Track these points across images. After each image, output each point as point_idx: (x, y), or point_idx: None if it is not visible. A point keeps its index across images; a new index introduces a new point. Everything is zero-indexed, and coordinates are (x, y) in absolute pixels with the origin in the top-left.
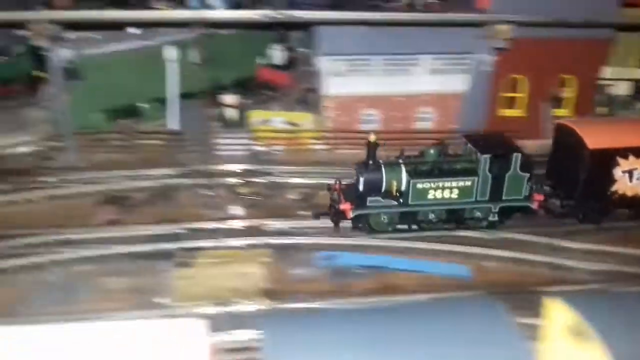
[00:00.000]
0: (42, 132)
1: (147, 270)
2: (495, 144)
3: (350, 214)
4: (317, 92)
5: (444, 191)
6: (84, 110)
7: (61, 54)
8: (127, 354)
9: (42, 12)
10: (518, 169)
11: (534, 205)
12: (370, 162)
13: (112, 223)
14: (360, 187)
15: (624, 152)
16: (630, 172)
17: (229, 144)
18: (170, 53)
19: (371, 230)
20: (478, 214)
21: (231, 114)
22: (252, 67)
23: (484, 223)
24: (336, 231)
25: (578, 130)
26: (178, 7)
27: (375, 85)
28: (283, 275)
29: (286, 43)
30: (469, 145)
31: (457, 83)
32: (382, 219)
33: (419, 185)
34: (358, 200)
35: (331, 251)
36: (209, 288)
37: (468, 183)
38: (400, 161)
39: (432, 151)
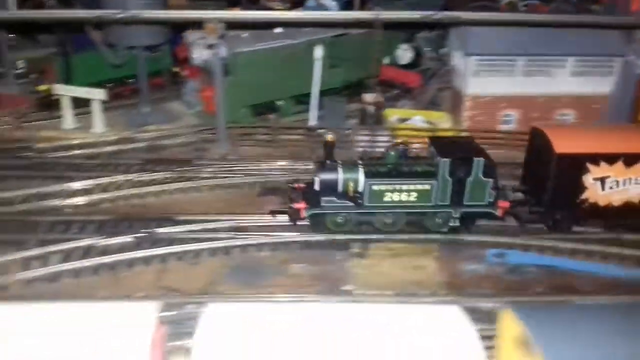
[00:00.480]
0: (187, 124)
1: (323, 259)
2: (459, 148)
3: (304, 213)
4: (451, 91)
5: (401, 194)
6: (231, 105)
7: (220, 52)
8: (399, 336)
9: (215, 12)
10: (480, 174)
11: (498, 212)
12: (328, 161)
13: (277, 213)
14: (316, 187)
15: (595, 159)
16: (602, 180)
17: (369, 140)
18: (318, 52)
19: (328, 231)
20: (439, 218)
21: (371, 111)
22: (377, 66)
23: (445, 228)
24: (294, 229)
25: (548, 134)
26: (293, 7)
27: (516, 86)
28: (457, 270)
29: (413, 43)
30: (432, 147)
31: (600, 85)
32: (339, 219)
33: (375, 187)
34: (313, 199)
35: (499, 249)
36: (389, 278)
37: (427, 186)
38: (359, 162)
39: (392, 153)
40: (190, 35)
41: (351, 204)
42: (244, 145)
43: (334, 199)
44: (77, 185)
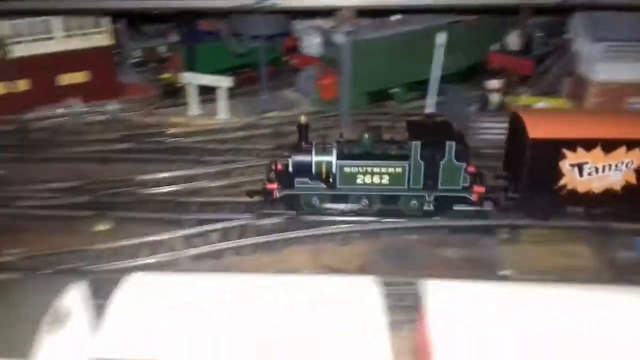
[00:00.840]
0: (305, 111)
1: (472, 243)
2: (433, 131)
3: (277, 194)
4: (573, 77)
5: (373, 176)
6: (350, 91)
7: (339, 39)
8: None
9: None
10: (453, 157)
11: (473, 197)
12: (303, 143)
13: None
14: (290, 168)
15: (571, 144)
16: (579, 166)
17: (490, 127)
18: (441, 38)
19: (301, 212)
20: (414, 202)
21: (494, 98)
22: (486, 53)
23: (419, 212)
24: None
25: (524, 118)
26: None
27: None
28: (609, 257)
29: (524, 28)
30: (407, 130)
31: None
32: (312, 201)
33: (347, 169)
34: (286, 180)
35: None
36: (544, 264)
37: (399, 169)
38: (334, 144)
39: (366, 135)
40: (299, 25)
41: (324, 185)
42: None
43: (307, 180)
44: (216, 168)
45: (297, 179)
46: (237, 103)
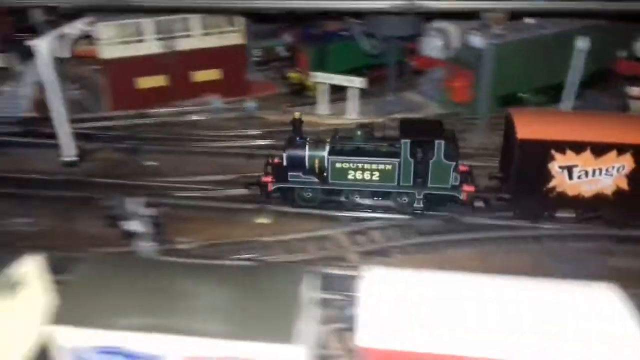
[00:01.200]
0: (433, 113)
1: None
2: (423, 130)
3: (271, 187)
4: None
5: (364, 172)
6: (482, 95)
7: (478, 42)
8: None
9: (499, 2)
10: (442, 156)
11: (462, 196)
12: (297, 138)
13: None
14: (284, 162)
15: (560, 146)
16: (569, 169)
17: None
18: (582, 43)
19: (295, 205)
20: (405, 199)
21: (636, 105)
22: (611, 59)
23: (409, 209)
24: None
25: (515, 119)
26: None
27: None
28: None
29: None
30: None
31: None
32: (306, 194)
33: (338, 164)
34: (280, 174)
35: None
36: None
37: (389, 167)
38: (328, 140)
39: (358, 132)
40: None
41: (316, 179)
42: (497, 136)
43: (300, 174)
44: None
45: (290, 173)
46: (363, 103)
